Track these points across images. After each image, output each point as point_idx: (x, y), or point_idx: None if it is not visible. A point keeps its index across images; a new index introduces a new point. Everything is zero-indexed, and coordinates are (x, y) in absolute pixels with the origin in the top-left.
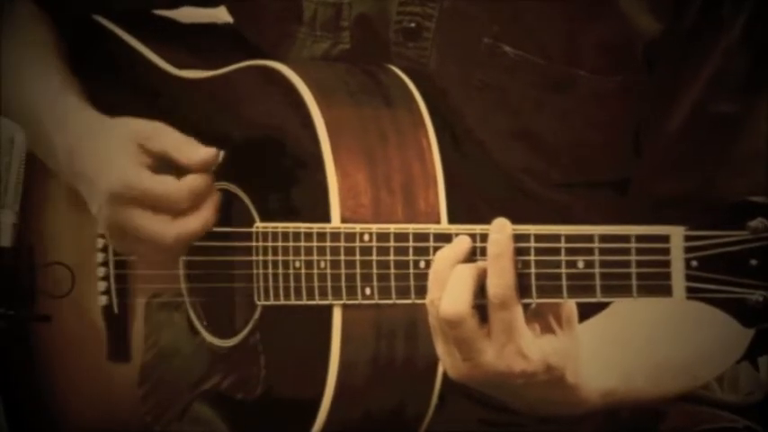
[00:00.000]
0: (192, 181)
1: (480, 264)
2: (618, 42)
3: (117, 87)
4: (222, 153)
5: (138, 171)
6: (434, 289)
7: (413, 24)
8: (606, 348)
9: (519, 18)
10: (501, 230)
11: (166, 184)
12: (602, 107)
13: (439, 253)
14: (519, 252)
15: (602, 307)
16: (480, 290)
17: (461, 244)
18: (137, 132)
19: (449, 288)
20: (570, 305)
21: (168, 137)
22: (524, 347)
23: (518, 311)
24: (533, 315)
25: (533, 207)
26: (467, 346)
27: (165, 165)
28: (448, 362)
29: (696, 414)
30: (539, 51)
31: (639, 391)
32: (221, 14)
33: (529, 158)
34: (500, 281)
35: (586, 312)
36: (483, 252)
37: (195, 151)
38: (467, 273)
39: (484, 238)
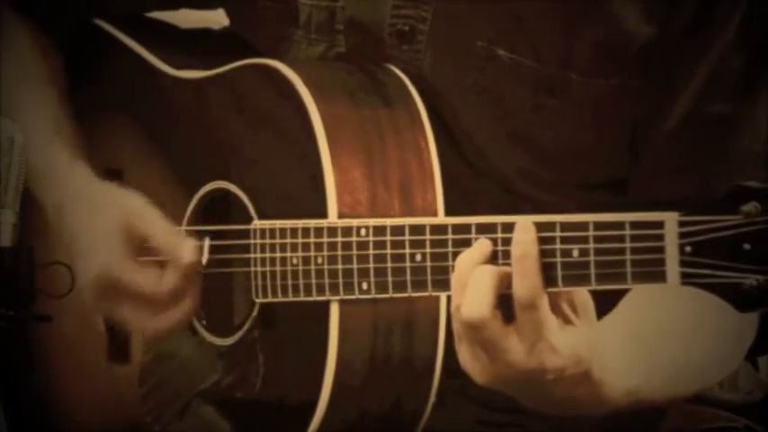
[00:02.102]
0: (174, 279)
1: (503, 268)
2: (612, 45)
3: (115, 89)
4: (207, 245)
5: (123, 264)
6: (457, 294)
7: (406, 27)
8: (627, 345)
9: (513, 21)
10: (526, 232)
11: (149, 281)
12: (597, 110)
13: (459, 258)
14: None
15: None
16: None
17: (481, 247)
18: (123, 216)
19: (469, 291)
20: (584, 293)
21: (154, 226)
22: (555, 342)
23: (545, 309)
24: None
25: (528, 209)
26: (493, 347)
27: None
28: (477, 367)
29: (696, 414)
30: (533, 55)
31: (657, 392)
32: (219, 17)
33: (523, 161)
34: (526, 283)
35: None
36: None
37: (179, 250)
38: (486, 274)
39: (480, 229)
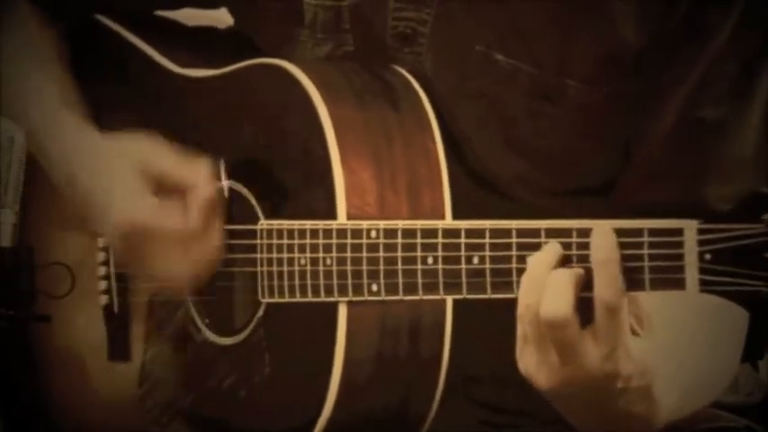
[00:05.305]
0: (198, 212)
1: (580, 270)
2: (609, 53)
3: (120, 86)
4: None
5: (143, 207)
6: (530, 293)
7: (408, 30)
8: (661, 362)
9: (512, 27)
10: (605, 236)
11: (174, 219)
12: (593, 116)
13: (534, 258)
14: (530, 247)
15: None
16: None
17: (555, 249)
18: (135, 158)
19: (551, 290)
20: (644, 305)
21: (167, 160)
22: (631, 349)
23: (626, 315)
24: None
25: (526, 214)
26: (569, 349)
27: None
28: (543, 371)
29: (695, 414)
30: (531, 60)
31: (686, 409)
32: (222, 16)
33: (520, 166)
34: (610, 287)
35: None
36: (492, 247)
37: (196, 167)
38: (568, 276)
39: (493, 234)
